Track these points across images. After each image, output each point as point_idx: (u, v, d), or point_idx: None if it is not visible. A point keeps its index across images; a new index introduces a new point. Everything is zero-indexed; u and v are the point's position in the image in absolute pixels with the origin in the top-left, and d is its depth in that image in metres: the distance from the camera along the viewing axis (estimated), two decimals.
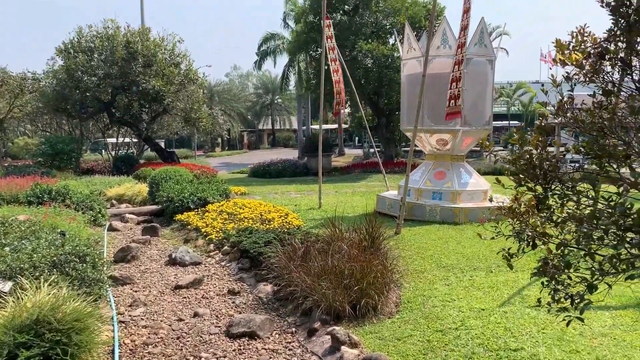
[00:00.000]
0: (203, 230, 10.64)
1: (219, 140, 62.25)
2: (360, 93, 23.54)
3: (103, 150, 36.60)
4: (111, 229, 12.06)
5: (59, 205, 11.65)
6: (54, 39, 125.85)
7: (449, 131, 11.50)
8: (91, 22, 39.90)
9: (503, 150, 36.06)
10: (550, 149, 3.23)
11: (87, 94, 23.77)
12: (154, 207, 14.25)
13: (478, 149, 27.43)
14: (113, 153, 31.50)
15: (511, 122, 46.89)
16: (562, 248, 3.00)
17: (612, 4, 3.05)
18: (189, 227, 11.40)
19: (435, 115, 11.52)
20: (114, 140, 34.08)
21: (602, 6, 3.15)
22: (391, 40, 25.77)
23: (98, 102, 24.77)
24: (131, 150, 34.60)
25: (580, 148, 3.19)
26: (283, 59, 41.19)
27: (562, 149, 3.23)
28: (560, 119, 3.26)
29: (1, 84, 27.57)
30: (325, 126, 53.77)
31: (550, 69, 56.60)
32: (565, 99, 3.19)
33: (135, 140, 34.69)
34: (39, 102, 26.77)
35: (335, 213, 8.93)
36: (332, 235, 7.34)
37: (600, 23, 3.41)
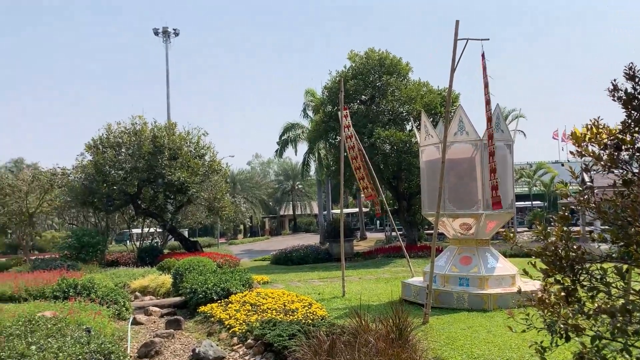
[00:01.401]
0: (226, 322, 10.50)
1: (241, 227, 62.66)
2: (380, 177, 23.83)
3: (128, 241, 37.01)
4: (135, 322, 11.98)
5: (85, 300, 11.69)
6: (85, 134, 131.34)
7: (472, 215, 11.47)
8: (120, 119, 41.67)
9: (528, 230, 35.67)
10: (574, 228, 3.23)
11: (114, 187, 24.46)
12: (178, 299, 14.19)
13: (503, 230, 27.08)
14: (138, 244, 31.81)
15: (534, 202, 46.57)
16: (597, 342, 2.92)
17: (624, 98, 3.17)
18: (213, 319, 11.26)
19: (456, 199, 11.56)
20: (138, 230, 34.56)
21: (613, 100, 3.27)
22: (408, 126, 26.38)
23: (124, 195, 25.41)
24: (155, 240, 34.93)
25: (605, 236, 3.19)
26: (303, 147, 42.33)
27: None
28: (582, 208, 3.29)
29: (32, 180, 28.57)
30: (345, 210, 53.94)
31: (565, 144, 56.80)
32: (585, 190, 3.24)
33: (159, 230, 35.12)
34: (68, 196, 27.57)
35: (359, 302, 8.79)
36: (358, 327, 7.19)
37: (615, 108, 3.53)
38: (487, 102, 10.06)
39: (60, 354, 5.82)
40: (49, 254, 32.36)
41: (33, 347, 6.23)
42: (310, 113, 39.59)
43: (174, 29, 48.70)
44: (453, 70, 9.93)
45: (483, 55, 9.85)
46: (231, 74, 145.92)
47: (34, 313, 8.93)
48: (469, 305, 10.70)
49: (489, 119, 10.20)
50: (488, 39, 9.75)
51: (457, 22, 9.76)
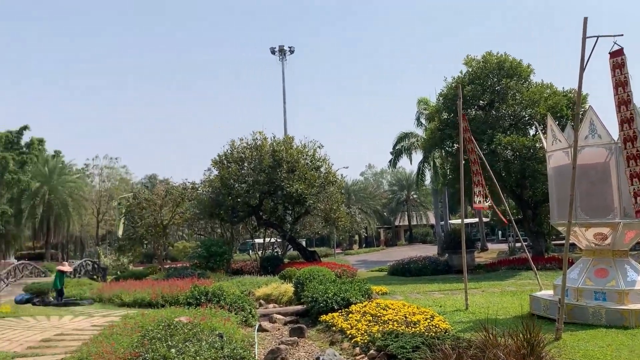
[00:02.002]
0: (348, 332, 10.59)
1: (357, 237, 63.07)
2: (502, 185, 22.81)
3: (250, 251, 38.75)
4: (260, 329, 12.47)
5: (215, 307, 12.41)
6: (211, 150, 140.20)
7: (608, 224, 10.58)
8: (242, 135, 43.89)
9: None
10: None
11: (238, 199, 25.78)
12: (299, 307, 14.58)
13: None
14: (260, 253, 33.18)
15: None
16: None
17: None
18: (334, 328, 11.42)
19: (590, 207, 10.75)
20: (260, 240, 36.06)
21: None
22: (531, 131, 25.06)
23: (247, 207, 26.69)
24: (276, 250, 36.22)
25: None
26: (417, 156, 41.77)
27: None
28: None
29: (166, 194, 30.97)
30: (465, 220, 52.25)
31: None
32: None
33: (279, 240, 36.38)
34: (197, 208, 29.52)
35: (485, 316, 8.45)
36: (486, 341, 6.90)
37: None
38: (622, 103, 9.26)
39: (198, 358, 6.21)
40: (181, 263, 34.80)
41: (173, 350, 6.72)
42: (423, 121, 39.03)
43: (289, 47, 50.53)
44: (582, 69, 9.31)
45: (613, 54, 9.14)
46: (342, 85, 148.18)
47: (172, 318, 9.63)
48: (606, 321, 9.87)
49: (626, 121, 9.36)
50: (622, 35, 9.02)
51: (585, 19, 9.17)
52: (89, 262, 34.19)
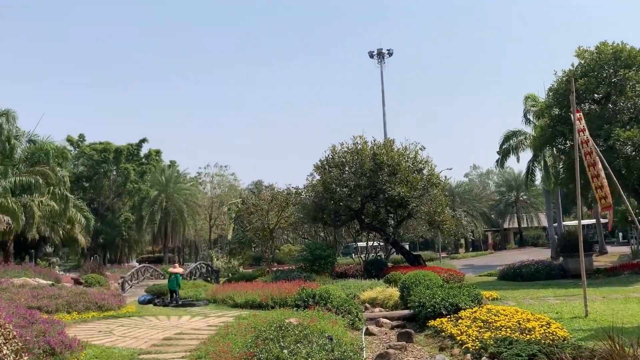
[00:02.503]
0: (458, 338, 10.33)
1: (462, 241, 61.25)
2: (622, 184, 21.13)
3: (353, 254, 39.00)
4: (367, 333, 12.50)
5: (322, 309, 12.63)
6: (312, 156, 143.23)
7: None
8: (342, 139, 44.39)
9: None
10: None
11: (340, 203, 26.06)
12: (406, 311, 14.43)
13: None
14: (363, 256, 33.27)
15: None
16: None
17: None
18: (443, 334, 11.18)
19: None
20: (362, 244, 36.17)
21: None
22: None
23: (349, 211, 26.89)
24: (379, 254, 36.14)
25: None
26: (526, 155, 39.71)
27: None
28: None
29: (271, 199, 32.04)
30: (582, 222, 48.93)
31: None
32: None
33: (382, 243, 36.25)
34: (300, 212, 30.24)
35: (610, 323, 7.88)
36: (612, 352, 6.44)
37: None
38: None
39: (309, 359, 6.36)
40: (287, 266, 35.77)
41: (285, 351, 6.94)
42: (532, 118, 37.12)
43: (387, 50, 50.39)
44: None
45: None
46: (442, 85, 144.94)
47: (282, 320, 9.95)
48: None
49: None
50: None
51: None
52: (203, 265, 36.16)
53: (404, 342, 11.00)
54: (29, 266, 27.20)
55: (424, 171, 27.90)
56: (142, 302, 21.13)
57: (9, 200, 28.78)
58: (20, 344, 8.48)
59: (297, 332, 8.32)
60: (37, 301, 14.33)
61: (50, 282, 19.60)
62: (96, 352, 9.95)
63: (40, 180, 31.86)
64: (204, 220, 61.69)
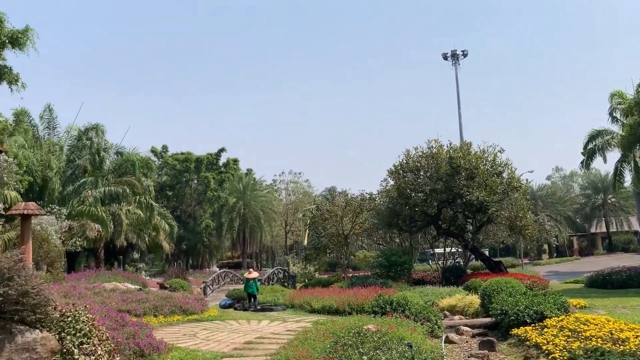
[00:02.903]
0: (544, 347, 9.89)
1: (546, 246, 58.56)
2: None
3: (430, 261, 38.30)
4: (447, 341, 12.23)
5: (399, 316, 12.49)
6: (386, 161, 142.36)
7: None
8: (416, 144, 43.87)
9: None
10: None
11: (416, 209, 25.68)
12: (487, 319, 13.99)
13: None
14: (440, 263, 32.58)
15: None
16: None
17: None
18: (527, 343, 10.74)
19: None
20: (439, 250, 35.39)
21: None
22: None
23: (425, 216, 26.44)
24: (457, 260, 35.25)
25: None
26: (613, 155, 37.37)
27: None
28: None
29: (346, 205, 32.09)
30: None
31: None
32: None
33: (460, 249, 35.34)
34: (375, 218, 30.06)
35: None
36: None
37: None
38: None
39: None
40: (362, 272, 35.65)
41: (365, 358, 6.92)
42: (619, 117, 34.94)
43: (462, 51, 49.21)
44: None
45: None
46: (521, 86, 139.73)
47: (360, 326, 9.93)
48: None
49: None
50: None
51: None
52: (280, 270, 36.75)
53: (486, 351, 10.67)
54: (118, 271, 28.76)
55: (504, 174, 26.98)
56: (223, 307, 21.76)
57: (99, 209, 30.65)
58: (112, 345, 9.00)
59: (375, 339, 8.27)
60: (126, 305, 15.10)
61: (138, 287, 20.63)
62: (181, 354, 10.35)
63: (127, 190, 33.74)
64: (280, 226, 62.80)
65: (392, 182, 28.56)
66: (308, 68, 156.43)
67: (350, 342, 8.06)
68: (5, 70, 20.34)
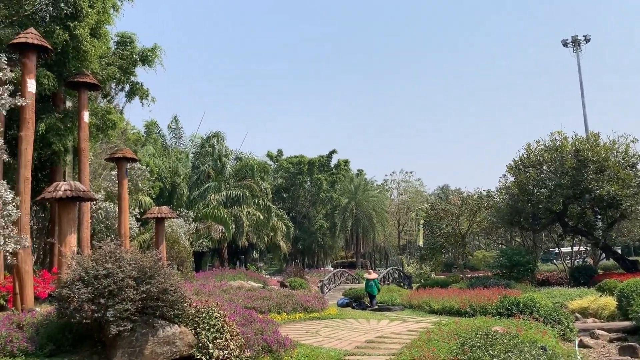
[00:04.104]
0: None
1: None
2: None
3: (554, 260, 36.06)
4: (581, 345, 11.45)
5: (527, 318, 11.89)
6: (503, 156, 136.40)
7: None
8: (538, 137, 41.71)
9: None
10: None
11: (539, 205, 24.30)
12: (627, 323, 12.90)
13: None
14: (567, 262, 30.59)
15: None
16: None
17: None
18: None
19: None
20: (565, 249, 33.23)
21: None
22: None
23: (550, 213, 24.95)
24: (585, 259, 32.90)
25: None
26: None
27: None
28: None
29: (462, 203, 31.17)
30: None
31: None
32: None
33: (589, 248, 32.92)
34: (494, 216, 28.86)
35: None
36: None
37: None
38: None
39: None
40: (481, 272, 34.41)
41: None
42: None
43: (584, 36, 45.84)
44: None
45: None
46: None
47: (487, 327, 9.58)
48: None
49: None
50: None
51: None
52: (395, 270, 36.55)
53: (628, 357, 9.85)
54: (241, 270, 30.24)
55: (638, 166, 24.72)
56: (341, 305, 22.08)
57: (222, 211, 32.48)
58: (243, 340, 9.47)
59: (505, 341, 7.93)
60: (252, 302, 15.80)
61: (261, 285, 21.53)
62: (306, 351, 10.64)
63: (247, 193, 35.46)
64: (392, 226, 62.43)
65: (511, 178, 27.29)
66: (409, 63, 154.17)
67: (478, 343, 7.81)
68: (137, 86, 22.18)
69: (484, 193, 31.58)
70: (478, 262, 43.24)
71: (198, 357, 8.54)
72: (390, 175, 67.23)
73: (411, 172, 66.85)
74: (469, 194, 32.98)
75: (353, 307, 21.37)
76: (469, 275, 31.09)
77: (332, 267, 54.20)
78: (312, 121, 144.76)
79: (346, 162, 58.84)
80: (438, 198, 57.84)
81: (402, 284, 33.35)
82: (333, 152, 57.79)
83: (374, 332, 13.28)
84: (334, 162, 58.12)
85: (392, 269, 36.98)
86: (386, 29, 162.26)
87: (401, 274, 36.07)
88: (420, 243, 37.26)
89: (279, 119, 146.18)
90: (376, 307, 20.56)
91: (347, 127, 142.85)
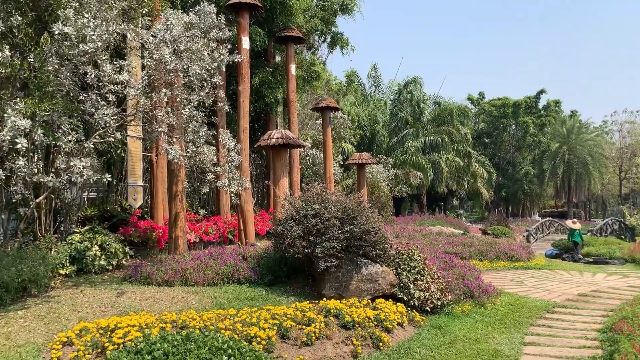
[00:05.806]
0: None
1: None
2: None
3: None
4: None
5: None
6: None
7: None
8: None
9: None
10: None
11: None
12: None
13: None
14: None
15: None
16: None
17: None
18: None
19: None
20: None
21: None
22: None
23: None
24: None
25: None
26: None
27: None
28: None
29: None
30: None
31: None
32: None
33: None
34: None
35: None
36: None
37: None
38: None
39: None
40: None
41: None
42: None
43: None
44: None
45: None
46: None
47: None
48: None
49: None
50: None
51: None
52: (615, 221, 32.92)
53: None
54: (440, 216, 30.07)
55: None
56: (549, 256, 20.78)
57: (420, 158, 32.42)
58: (443, 284, 9.50)
59: None
60: (452, 248, 15.69)
61: (461, 232, 21.21)
62: (510, 299, 10.28)
63: (446, 139, 34.72)
64: (612, 172, 55.72)
65: None
66: None
67: None
68: (338, 36, 22.85)
69: None
70: None
71: (400, 296, 8.83)
72: (611, 115, 59.73)
73: (637, 112, 58.32)
74: None
75: (563, 259, 19.92)
76: None
77: (539, 216, 50.88)
78: (518, 62, 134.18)
79: (557, 102, 53.59)
80: None
81: (622, 237, 30.03)
82: (541, 92, 53.01)
83: (588, 286, 12.25)
84: (542, 103, 53.35)
85: (611, 219, 33.31)
86: None
87: (622, 225, 32.35)
88: None
89: (481, 61, 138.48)
90: (580, 257, 19.35)
91: (556, 66, 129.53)
